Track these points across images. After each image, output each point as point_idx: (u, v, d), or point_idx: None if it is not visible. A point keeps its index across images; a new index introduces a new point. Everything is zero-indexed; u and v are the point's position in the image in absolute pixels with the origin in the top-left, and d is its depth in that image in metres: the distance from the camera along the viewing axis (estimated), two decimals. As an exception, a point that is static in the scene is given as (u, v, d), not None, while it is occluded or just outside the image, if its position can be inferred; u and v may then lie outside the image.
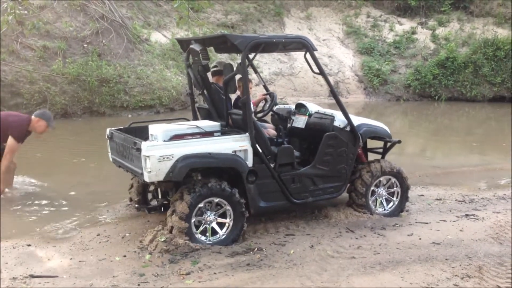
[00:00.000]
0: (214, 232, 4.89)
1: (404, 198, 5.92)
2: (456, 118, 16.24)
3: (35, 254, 4.69)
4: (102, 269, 4.33)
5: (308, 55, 5.32)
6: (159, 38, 16.82)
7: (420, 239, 5.05)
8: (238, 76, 5.27)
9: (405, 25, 21.46)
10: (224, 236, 4.87)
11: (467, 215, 5.85)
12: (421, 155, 10.45)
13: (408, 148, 11.13)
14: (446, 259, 4.50)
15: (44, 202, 6.38)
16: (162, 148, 4.60)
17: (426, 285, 3.97)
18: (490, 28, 20.51)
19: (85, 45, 14.64)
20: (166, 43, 16.74)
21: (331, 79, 18.94)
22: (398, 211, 5.90)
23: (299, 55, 19.43)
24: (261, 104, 6.19)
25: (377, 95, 19.28)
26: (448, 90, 19.02)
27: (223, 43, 5.38)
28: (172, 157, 4.59)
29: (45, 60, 13.75)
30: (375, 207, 5.83)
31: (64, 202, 6.38)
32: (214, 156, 4.78)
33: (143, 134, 5.30)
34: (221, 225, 4.91)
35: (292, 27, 20.65)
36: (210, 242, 4.80)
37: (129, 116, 13.99)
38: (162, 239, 4.68)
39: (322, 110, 6.04)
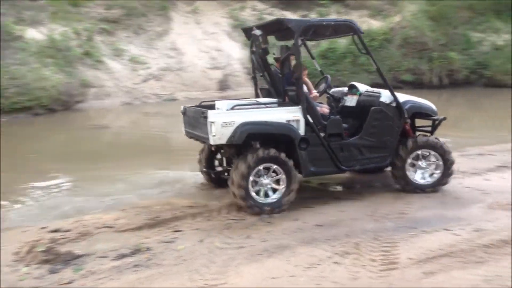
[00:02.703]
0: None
1: (446, 171, 6.18)
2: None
3: None
4: (-28, 287, 3.97)
5: (356, 38, 5.93)
6: (35, 35, 15.73)
7: (304, 222, 5.26)
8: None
9: (289, 18, 22.16)
10: (275, 200, 5.55)
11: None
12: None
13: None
14: (327, 239, 4.73)
15: None
16: (225, 116, 5.38)
17: (309, 265, 4.15)
18: (365, 20, 21.88)
19: (-51, 44, 13.30)
20: (43, 40, 15.71)
21: (220, 72, 19.08)
22: (439, 184, 6.20)
23: (187, 50, 19.30)
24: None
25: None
26: (331, 79, 20.02)
27: (279, 29, 6.06)
28: (233, 123, 5.34)
29: None
30: (415, 178, 6.17)
31: None
32: (270, 123, 5.50)
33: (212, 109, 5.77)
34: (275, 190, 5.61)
35: (179, 21, 20.44)
36: (263, 202, 5.49)
37: (3, 119, 12.94)
38: (41, 249, 4.40)
39: (371, 89, 6.59)
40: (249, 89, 19.50)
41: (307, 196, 6.25)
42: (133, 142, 11.12)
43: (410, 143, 6.12)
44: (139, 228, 5.19)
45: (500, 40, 21.31)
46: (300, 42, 5.76)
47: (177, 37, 19.68)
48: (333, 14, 22.40)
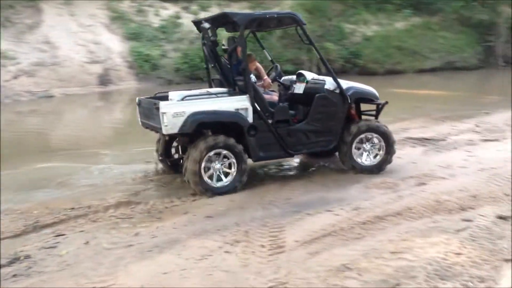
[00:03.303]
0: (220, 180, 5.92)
1: (389, 152, 6.60)
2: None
3: None
4: None
5: (299, 29, 6.32)
6: None
7: (194, 215, 5.26)
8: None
9: (170, 10, 21.84)
10: (228, 182, 5.90)
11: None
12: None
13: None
14: (218, 230, 4.77)
15: None
16: (176, 106, 5.68)
17: (201, 257, 4.16)
18: (246, 12, 22.21)
19: None
20: None
21: (99, 66, 18.31)
22: (384, 163, 6.61)
23: (61, 43, 18.22)
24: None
25: (149, 80, 19.31)
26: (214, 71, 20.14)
27: (227, 21, 6.38)
28: (184, 113, 5.64)
29: None
30: (361, 160, 6.54)
31: None
32: (219, 112, 5.84)
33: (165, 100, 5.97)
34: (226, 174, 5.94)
35: (51, 13, 19.17)
36: (216, 186, 5.83)
37: None
38: None
39: (317, 76, 6.88)
40: (132, 83, 18.97)
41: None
42: (3, 144, 10.26)
43: (353, 127, 6.48)
44: (16, 235, 4.83)
45: (369, 31, 22.99)
46: (246, 34, 6.20)
47: (49, 30, 18.45)
48: (214, 6, 22.47)
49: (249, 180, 6.55)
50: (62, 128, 12.38)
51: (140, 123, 6.72)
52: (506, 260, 3.86)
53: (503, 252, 4.01)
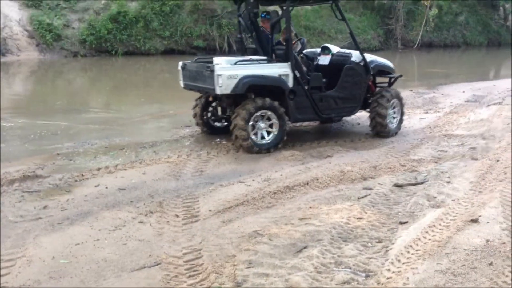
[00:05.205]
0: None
1: (403, 115, 7.67)
2: (134, 71, 16.88)
3: None
4: None
5: (334, 6, 7.12)
6: None
7: (106, 188, 5.19)
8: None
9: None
10: (269, 141, 6.61)
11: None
12: (106, 109, 10.55)
13: (92, 103, 11.18)
14: (131, 201, 4.77)
15: None
16: (230, 69, 6.37)
17: (114, 228, 4.16)
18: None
19: None
20: None
21: (-4, 35, 17.01)
22: (399, 125, 7.63)
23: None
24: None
25: (52, 51, 18.29)
26: (124, 44, 19.50)
27: None
28: (237, 76, 6.31)
29: None
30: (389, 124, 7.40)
31: None
32: (266, 77, 6.56)
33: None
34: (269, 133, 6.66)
35: None
36: (261, 143, 6.54)
37: None
38: None
39: (342, 50, 7.77)
40: (33, 54, 17.83)
41: (108, 162, 6.17)
42: None
43: (387, 94, 7.34)
44: None
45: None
46: (290, 8, 6.79)
47: None
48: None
49: (161, 153, 6.57)
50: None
51: (182, 86, 7.30)
52: (401, 223, 4.26)
53: (398, 216, 4.42)
